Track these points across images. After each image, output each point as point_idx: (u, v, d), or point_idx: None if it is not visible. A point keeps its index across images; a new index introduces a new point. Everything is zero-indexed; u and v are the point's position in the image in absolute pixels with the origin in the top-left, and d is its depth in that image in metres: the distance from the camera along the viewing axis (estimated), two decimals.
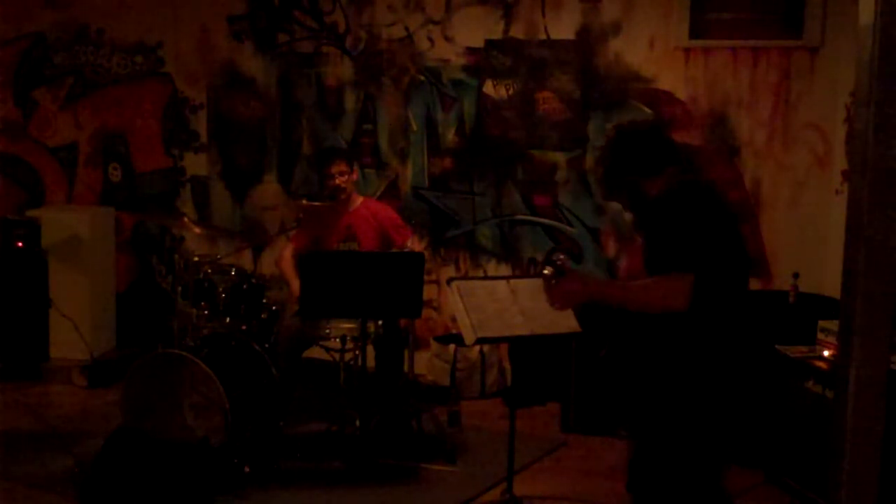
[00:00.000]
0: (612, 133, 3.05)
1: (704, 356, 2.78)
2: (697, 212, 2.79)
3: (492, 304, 3.73)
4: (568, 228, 5.87)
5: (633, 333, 2.91)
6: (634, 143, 2.95)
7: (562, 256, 3.04)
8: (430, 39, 6.01)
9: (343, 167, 5.05)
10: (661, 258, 2.76)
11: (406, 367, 5.06)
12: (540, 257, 5.93)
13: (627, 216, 5.58)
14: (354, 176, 5.19)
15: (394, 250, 5.01)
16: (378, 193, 6.14)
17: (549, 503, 4.25)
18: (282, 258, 5.27)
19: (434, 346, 5.90)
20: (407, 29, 6.05)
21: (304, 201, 5.22)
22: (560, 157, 5.84)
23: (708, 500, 2.88)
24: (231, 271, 4.76)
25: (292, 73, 6.34)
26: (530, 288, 3.88)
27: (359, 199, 5.21)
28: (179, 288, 4.73)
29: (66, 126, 6.84)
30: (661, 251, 2.78)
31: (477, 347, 5.63)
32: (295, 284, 5.02)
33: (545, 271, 3.00)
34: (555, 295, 2.98)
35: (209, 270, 4.69)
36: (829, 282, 5.03)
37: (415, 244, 5.20)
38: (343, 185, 5.03)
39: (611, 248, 5.79)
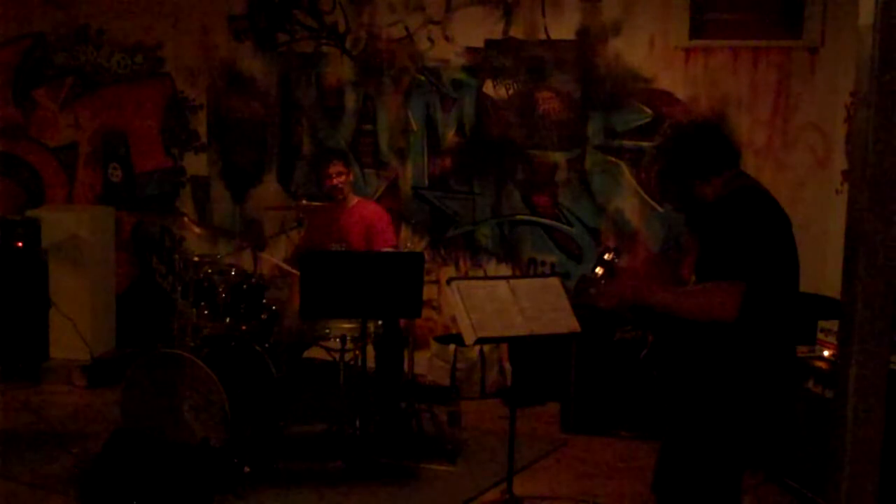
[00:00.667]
0: (669, 132, 2.91)
1: (750, 365, 2.71)
2: (753, 219, 2.71)
3: (492, 304, 3.73)
4: (567, 228, 5.87)
5: (677, 336, 2.84)
6: (693, 143, 2.85)
7: (614, 256, 2.96)
8: (430, 39, 6.01)
9: (340, 168, 5.07)
10: (713, 264, 2.69)
11: (406, 367, 5.06)
12: (540, 257, 5.93)
13: (640, 217, 5.60)
14: (351, 177, 5.19)
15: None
16: (378, 193, 6.14)
17: (548, 503, 4.25)
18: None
19: (434, 346, 5.90)
20: (407, 29, 6.05)
21: (304, 201, 5.22)
22: (560, 157, 5.84)
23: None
24: (231, 271, 4.76)
25: (292, 73, 6.34)
26: (530, 288, 3.88)
27: (354, 200, 5.21)
28: (179, 288, 4.73)
29: (66, 126, 6.84)
30: (714, 257, 2.70)
31: (477, 347, 5.63)
32: None
33: (597, 270, 2.91)
34: (604, 294, 2.87)
35: (209, 270, 4.68)
36: (829, 282, 5.03)
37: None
38: (340, 186, 5.06)
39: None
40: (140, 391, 4.39)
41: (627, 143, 5.67)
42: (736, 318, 2.59)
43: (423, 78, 6.06)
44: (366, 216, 5.15)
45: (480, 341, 3.79)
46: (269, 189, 6.46)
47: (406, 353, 5.07)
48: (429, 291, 5.80)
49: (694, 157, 2.82)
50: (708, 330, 2.68)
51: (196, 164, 6.63)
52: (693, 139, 2.87)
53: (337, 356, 4.78)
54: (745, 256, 2.64)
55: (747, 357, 2.71)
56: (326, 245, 5.06)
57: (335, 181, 5.05)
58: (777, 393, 2.77)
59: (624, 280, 2.91)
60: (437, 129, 6.08)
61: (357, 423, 4.53)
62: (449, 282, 3.83)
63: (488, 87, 5.94)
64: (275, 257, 5.44)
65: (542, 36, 5.79)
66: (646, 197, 5.65)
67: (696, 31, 5.50)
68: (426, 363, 5.86)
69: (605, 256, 2.94)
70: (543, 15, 5.78)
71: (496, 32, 5.88)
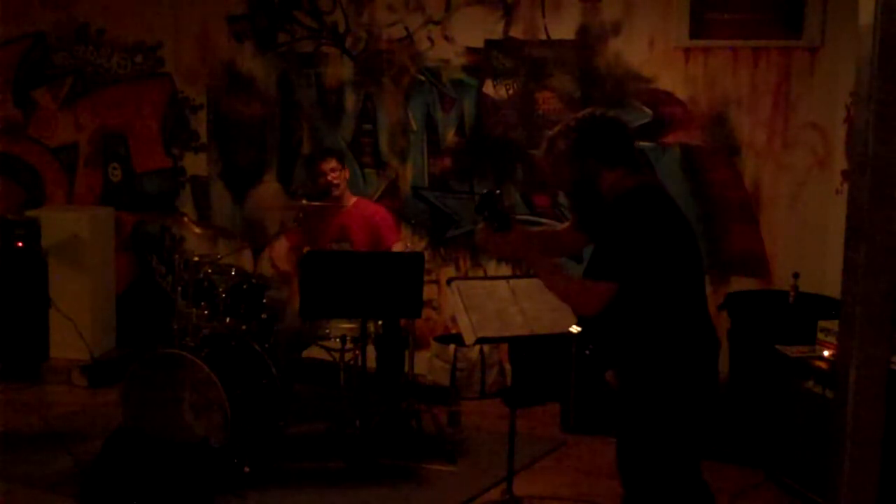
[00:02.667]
0: (585, 114, 2.94)
1: (661, 358, 2.82)
2: (645, 219, 2.76)
3: (492, 304, 3.73)
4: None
5: (608, 334, 2.94)
6: (605, 127, 2.89)
7: (507, 211, 2.96)
8: (430, 39, 6.01)
9: (335, 164, 5.06)
10: (598, 258, 2.80)
11: (406, 367, 5.06)
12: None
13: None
14: (346, 174, 5.18)
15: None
16: (378, 193, 6.14)
17: (548, 503, 4.25)
18: (278, 257, 5.27)
19: (434, 346, 5.90)
20: (407, 29, 6.04)
21: (304, 201, 5.22)
22: None
23: (686, 492, 2.91)
24: (231, 271, 4.76)
25: (292, 73, 6.34)
26: (530, 288, 3.88)
27: (352, 199, 5.21)
28: (179, 288, 4.73)
29: (66, 126, 6.83)
30: (600, 252, 2.81)
31: (477, 347, 5.63)
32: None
33: (484, 216, 2.91)
34: (493, 242, 2.93)
35: (209, 270, 4.69)
36: (829, 282, 5.03)
37: (401, 246, 5.17)
38: (335, 182, 5.04)
39: None
40: (140, 391, 4.39)
41: None
42: (595, 314, 2.75)
43: (423, 78, 6.06)
44: (370, 216, 5.15)
45: (480, 341, 3.80)
46: (269, 189, 6.46)
47: (406, 354, 5.07)
48: (429, 291, 5.80)
49: (603, 139, 2.85)
50: (626, 326, 2.81)
51: (196, 164, 6.63)
52: (612, 123, 2.92)
53: (337, 356, 4.79)
54: (625, 258, 2.72)
55: (657, 351, 2.81)
56: (325, 244, 5.06)
57: (329, 177, 5.04)
58: (693, 380, 2.84)
59: (521, 237, 2.96)
60: (437, 129, 6.08)
61: (357, 423, 4.54)
62: (449, 282, 3.83)
63: (488, 87, 5.94)
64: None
65: (542, 36, 5.79)
66: None
67: (696, 31, 5.49)
68: (426, 363, 5.86)
69: (498, 205, 2.91)
70: (543, 15, 5.78)
71: (496, 32, 5.87)
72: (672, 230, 2.81)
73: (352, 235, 5.07)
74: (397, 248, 5.11)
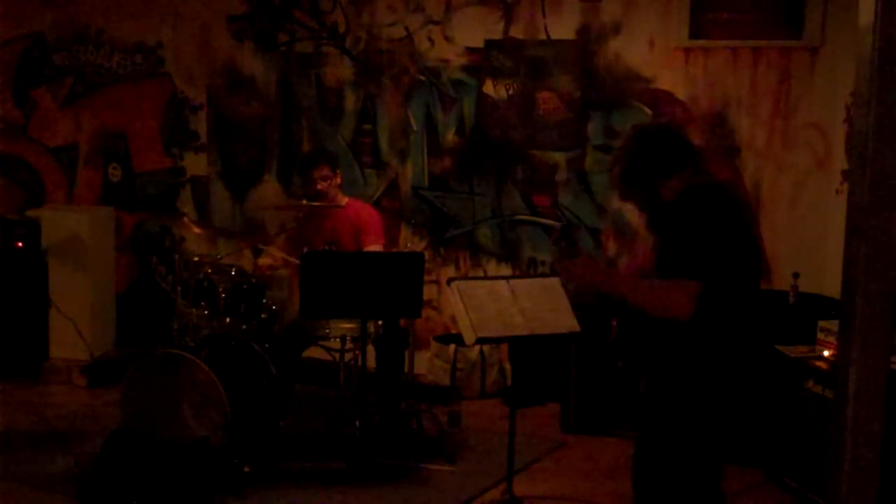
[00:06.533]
0: (630, 134, 3.00)
1: (710, 360, 2.77)
2: (709, 217, 2.76)
3: (492, 304, 3.73)
4: (556, 224, 5.81)
5: (641, 326, 2.89)
6: (652, 144, 2.92)
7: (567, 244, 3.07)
8: (430, 39, 6.01)
9: (326, 171, 5.03)
10: (670, 262, 2.74)
11: (406, 367, 5.06)
12: (540, 257, 5.93)
13: (639, 216, 5.60)
14: (338, 180, 5.15)
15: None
16: (378, 193, 6.14)
17: (548, 503, 4.25)
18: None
19: (434, 346, 5.90)
20: (407, 29, 6.05)
21: (304, 201, 5.21)
22: (560, 157, 5.84)
23: (706, 501, 2.89)
24: (231, 271, 4.76)
25: (292, 73, 6.34)
26: (530, 288, 3.88)
27: (344, 200, 5.18)
28: (179, 288, 4.73)
29: (66, 126, 6.84)
30: (671, 255, 2.75)
31: (477, 347, 5.64)
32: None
33: (562, 243, 3.02)
34: (571, 269, 2.95)
35: (209, 270, 4.69)
36: (829, 282, 5.03)
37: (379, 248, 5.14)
38: (324, 190, 5.01)
39: (611, 247, 5.79)
40: (140, 391, 4.39)
41: None
42: (689, 318, 2.66)
43: (423, 78, 6.06)
44: (354, 217, 5.13)
45: (480, 341, 3.79)
46: (269, 189, 6.46)
47: (406, 353, 5.07)
48: (429, 291, 5.80)
49: (653, 157, 2.90)
50: (669, 326, 2.73)
51: (196, 164, 6.63)
52: (654, 139, 2.95)
53: (337, 356, 4.79)
54: (701, 255, 2.69)
55: (707, 352, 2.76)
56: (317, 245, 5.06)
57: (319, 186, 5.01)
58: (738, 387, 2.82)
59: (593, 261, 2.97)
60: (437, 129, 6.08)
61: (357, 423, 4.54)
62: (449, 282, 3.83)
63: (488, 87, 5.94)
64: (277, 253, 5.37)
65: (542, 36, 5.79)
66: None
67: (696, 31, 5.50)
68: (426, 363, 5.86)
69: (572, 240, 3.04)
70: (543, 15, 5.78)
71: (496, 32, 5.88)
72: (725, 230, 2.78)
73: (339, 236, 5.07)
74: (374, 248, 5.05)
